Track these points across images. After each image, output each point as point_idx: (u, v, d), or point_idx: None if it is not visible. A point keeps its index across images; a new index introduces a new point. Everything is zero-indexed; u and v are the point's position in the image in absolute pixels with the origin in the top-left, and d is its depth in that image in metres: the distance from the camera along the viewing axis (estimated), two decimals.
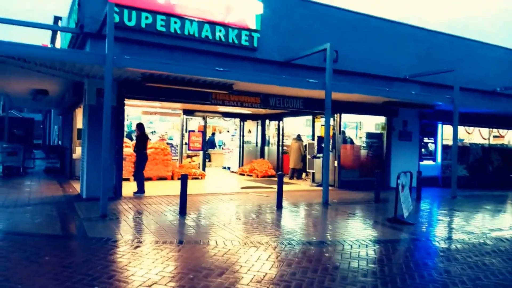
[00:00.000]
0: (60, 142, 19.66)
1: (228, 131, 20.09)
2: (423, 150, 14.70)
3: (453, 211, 9.48)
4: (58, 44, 17.10)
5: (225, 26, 10.48)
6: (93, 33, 8.97)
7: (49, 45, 20.84)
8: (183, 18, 9.95)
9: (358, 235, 6.51)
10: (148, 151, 12.61)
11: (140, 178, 9.97)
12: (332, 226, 7.39)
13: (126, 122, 13.98)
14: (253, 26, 10.83)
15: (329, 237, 6.48)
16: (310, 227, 7.34)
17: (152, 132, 15.68)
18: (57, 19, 19.44)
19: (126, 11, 9.26)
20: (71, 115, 13.70)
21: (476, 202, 11.04)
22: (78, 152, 12.37)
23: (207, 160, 16.07)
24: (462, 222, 8.21)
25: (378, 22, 13.42)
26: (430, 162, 14.86)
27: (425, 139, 14.79)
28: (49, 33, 22.39)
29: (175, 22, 9.87)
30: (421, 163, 14.51)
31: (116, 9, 8.85)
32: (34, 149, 21.18)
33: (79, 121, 12.59)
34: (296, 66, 11.62)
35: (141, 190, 9.90)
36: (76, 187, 10.72)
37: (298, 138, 14.43)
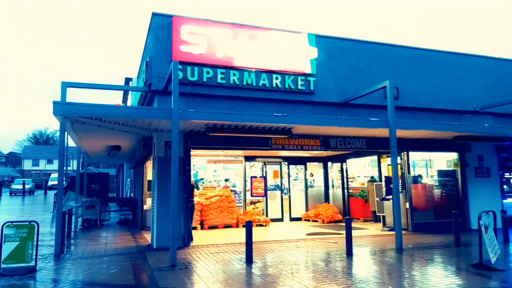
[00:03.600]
0: (132, 195, 20.75)
1: (290, 176, 19.94)
2: (505, 187, 13.43)
3: None
4: (129, 103, 18.57)
5: (281, 73, 10.76)
6: (160, 90, 9.65)
7: (121, 104, 22.73)
8: (241, 69, 10.39)
9: (440, 284, 5.92)
10: (213, 199, 12.91)
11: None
12: (409, 274, 6.82)
13: (192, 172, 14.49)
14: (308, 70, 11.00)
15: (407, 286, 5.96)
16: (384, 275, 6.82)
17: (225, 180, 15.85)
18: (128, 80, 21.30)
19: (188, 68, 9.90)
20: (141, 168, 14.51)
21: None
22: (148, 203, 12.94)
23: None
24: None
25: (439, 56, 13.00)
26: None
27: (506, 175, 13.54)
28: (121, 93, 24.55)
29: (234, 74, 10.33)
30: (504, 201, 13.18)
31: (179, 66, 9.50)
32: (109, 202, 22.51)
33: (149, 174, 13.27)
34: (355, 106, 11.47)
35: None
36: (147, 237, 11.09)
37: (372, 180, 13.89)
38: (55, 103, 7.32)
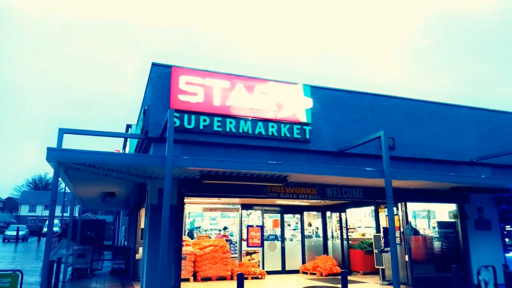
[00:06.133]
0: (126, 243, 20.26)
1: (289, 225, 19.55)
2: (506, 240, 13.08)
3: None
4: (127, 150, 18.65)
5: (277, 122, 10.88)
6: (156, 137, 9.72)
7: (121, 150, 22.83)
8: (237, 118, 10.53)
9: None
10: (207, 249, 12.56)
11: None
12: None
13: (188, 220, 14.19)
14: (304, 119, 11.14)
15: None
16: None
17: (224, 228, 15.41)
18: (128, 126, 21.55)
19: (185, 116, 10.03)
20: (136, 215, 14.29)
21: None
22: (141, 252, 12.58)
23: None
24: None
25: (434, 107, 13.22)
26: None
27: (508, 227, 13.24)
28: (122, 139, 24.70)
29: (231, 122, 10.45)
30: (506, 255, 12.79)
31: (176, 114, 9.64)
32: (104, 250, 21.91)
33: (142, 221, 13.02)
34: (351, 155, 11.48)
35: None
36: None
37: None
38: (49, 149, 7.35)
